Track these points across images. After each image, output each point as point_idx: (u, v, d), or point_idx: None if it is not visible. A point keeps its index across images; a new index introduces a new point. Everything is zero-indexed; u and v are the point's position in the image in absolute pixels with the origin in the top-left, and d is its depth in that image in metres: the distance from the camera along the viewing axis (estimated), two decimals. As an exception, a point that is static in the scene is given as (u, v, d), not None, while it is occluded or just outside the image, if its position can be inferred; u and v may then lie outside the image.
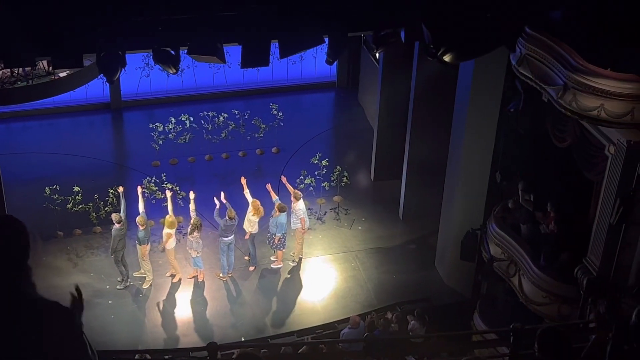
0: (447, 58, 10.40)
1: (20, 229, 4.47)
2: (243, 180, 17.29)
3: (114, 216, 16.47)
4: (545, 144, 13.69)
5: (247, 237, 17.33)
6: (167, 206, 16.82)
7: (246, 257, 17.78)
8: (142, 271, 17.07)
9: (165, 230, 16.58)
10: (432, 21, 10.33)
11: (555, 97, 11.82)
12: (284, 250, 17.60)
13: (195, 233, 16.48)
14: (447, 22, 10.26)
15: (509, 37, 10.99)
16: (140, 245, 16.60)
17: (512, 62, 12.91)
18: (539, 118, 13.63)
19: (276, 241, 17.24)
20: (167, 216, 16.64)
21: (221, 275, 17.30)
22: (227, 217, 16.61)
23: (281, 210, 16.94)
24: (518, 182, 15.05)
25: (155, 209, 17.98)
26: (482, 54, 11.60)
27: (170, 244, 16.71)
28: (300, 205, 17.26)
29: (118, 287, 16.92)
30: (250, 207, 17.11)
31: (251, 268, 17.63)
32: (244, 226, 17.21)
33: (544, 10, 11.44)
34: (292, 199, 17.27)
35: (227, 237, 16.80)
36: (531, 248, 14.22)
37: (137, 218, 16.42)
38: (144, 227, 16.35)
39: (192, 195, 16.89)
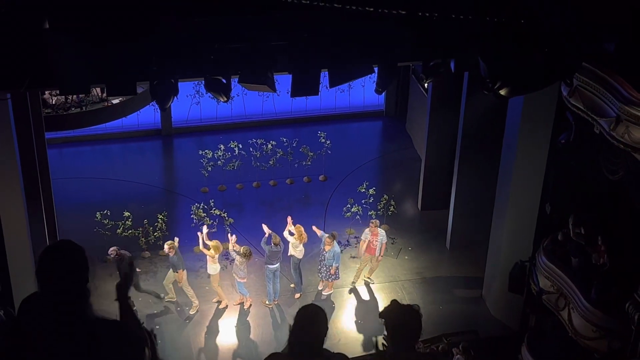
0: (503, 92, 10.34)
1: (80, 253, 4.58)
2: (289, 219, 17.36)
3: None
4: (597, 176, 13.50)
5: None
6: (208, 233, 16.96)
7: (292, 285, 17.80)
8: (171, 295, 17.16)
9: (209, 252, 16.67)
10: (489, 55, 10.30)
11: (607, 129, 11.69)
12: (337, 281, 17.66)
13: (242, 259, 16.55)
14: (505, 56, 10.22)
15: (566, 72, 10.88)
16: (175, 272, 16.69)
17: (563, 93, 12.83)
18: (590, 150, 13.47)
19: (332, 272, 17.22)
20: (212, 241, 16.76)
21: (267, 302, 17.33)
22: (272, 244, 16.68)
23: (334, 238, 17.00)
24: (569, 214, 14.85)
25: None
26: (538, 89, 11.50)
27: (214, 270, 16.78)
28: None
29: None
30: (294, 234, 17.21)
31: (297, 295, 17.63)
32: (289, 253, 17.27)
33: (598, 41, 11.35)
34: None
35: (272, 264, 16.85)
36: (581, 281, 13.99)
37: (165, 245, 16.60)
38: (173, 252, 16.45)
39: (233, 238, 16.97)
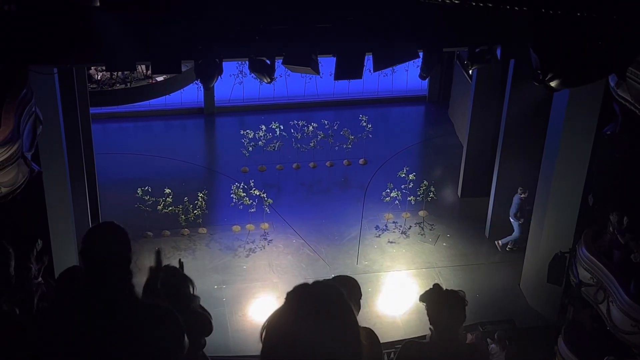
0: (554, 84, 10.19)
1: (122, 234, 4.64)
2: None
3: None
4: (642, 168, 13.30)
5: None
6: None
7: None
8: None
9: None
10: (542, 46, 10.15)
11: (655, 122, 11.48)
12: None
13: None
14: (558, 48, 10.06)
15: (620, 65, 10.67)
16: None
17: (611, 84, 12.61)
18: (636, 142, 13.24)
19: None
20: None
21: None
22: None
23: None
24: (611, 206, 14.64)
25: (243, 215, 18.26)
26: (591, 82, 11.31)
27: None
28: None
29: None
30: None
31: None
32: None
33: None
34: None
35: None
36: (622, 275, 13.80)
37: None
38: None
39: None
